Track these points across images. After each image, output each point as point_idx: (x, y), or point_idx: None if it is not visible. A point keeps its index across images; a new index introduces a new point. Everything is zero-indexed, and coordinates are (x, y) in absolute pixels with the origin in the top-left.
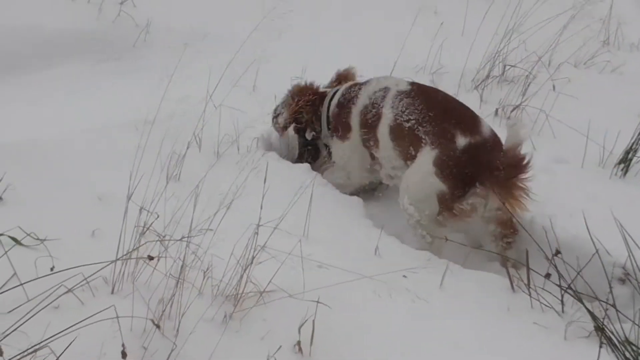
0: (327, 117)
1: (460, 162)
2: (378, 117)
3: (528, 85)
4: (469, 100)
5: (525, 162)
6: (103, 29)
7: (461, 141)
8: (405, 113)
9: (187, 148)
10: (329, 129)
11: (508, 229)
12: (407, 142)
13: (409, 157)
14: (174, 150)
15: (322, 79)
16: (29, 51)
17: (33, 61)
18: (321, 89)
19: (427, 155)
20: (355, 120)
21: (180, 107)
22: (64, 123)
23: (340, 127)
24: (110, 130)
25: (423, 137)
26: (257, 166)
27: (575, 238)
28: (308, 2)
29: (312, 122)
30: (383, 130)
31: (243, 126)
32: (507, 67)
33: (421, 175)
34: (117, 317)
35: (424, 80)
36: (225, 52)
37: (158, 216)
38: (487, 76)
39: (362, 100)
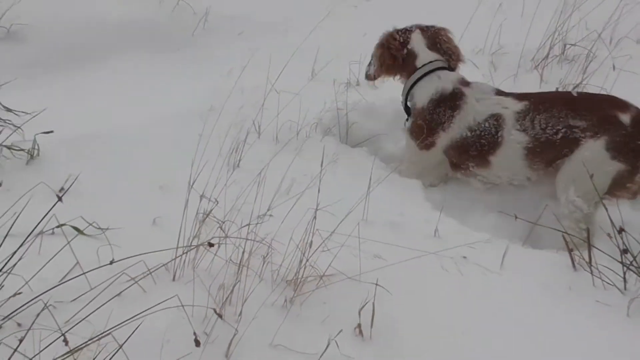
0: (409, 95)
1: (635, 136)
2: (496, 144)
3: (589, 64)
4: (529, 80)
5: None
6: (162, 19)
7: (625, 118)
8: (550, 127)
9: (247, 135)
10: (407, 113)
11: None
12: (557, 148)
13: (557, 158)
14: (235, 138)
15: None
16: (90, 43)
17: (94, 53)
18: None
19: (592, 147)
20: (444, 142)
21: (241, 95)
22: (126, 114)
23: (422, 139)
24: (171, 120)
25: (579, 135)
26: (316, 151)
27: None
28: None
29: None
30: (508, 154)
31: (303, 112)
32: (567, 46)
33: (592, 165)
34: (181, 305)
35: (483, 61)
36: (281, 39)
37: (217, 202)
38: (547, 55)
39: (459, 130)
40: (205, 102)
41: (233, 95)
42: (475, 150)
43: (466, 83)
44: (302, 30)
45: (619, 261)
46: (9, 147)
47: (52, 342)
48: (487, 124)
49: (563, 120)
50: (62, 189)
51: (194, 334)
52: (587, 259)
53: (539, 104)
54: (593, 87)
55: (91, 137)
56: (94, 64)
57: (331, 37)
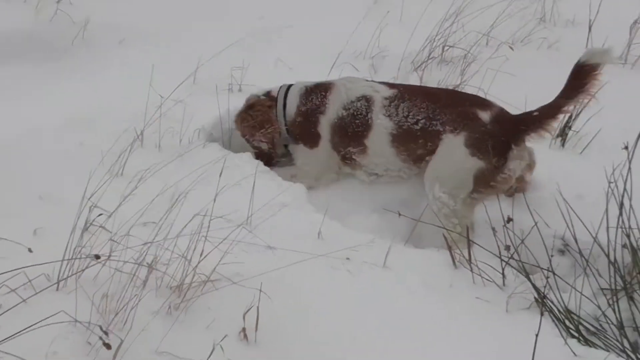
0: (285, 120)
1: (494, 133)
2: (367, 127)
3: (467, 65)
4: (409, 82)
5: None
6: (41, 29)
7: (484, 115)
8: (411, 116)
9: (132, 143)
10: (287, 132)
11: (522, 185)
12: (420, 142)
13: (421, 156)
14: (117, 146)
15: (264, 71)
16: None
17: None
18: (270, 91)
19: (452, 142)
20: (326, 129)
21: (122, 103)
22: (5, 124)
23: (308, 137)
24: (52, 129)
25: (440, 128)
26: (200, 158)
27: (519, 210)
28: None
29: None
30: (378, 139)
31: (186, 119)
32: (447, 48)
33: (452, 161)
34: (75, 320)
35: (364, 65)
36: (163, 47)
37: (101, 213)
38: (427, 58)
39: (335, 109)
40: (86, 111)
41: (114, 103)
42: (352, 130)
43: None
44: (184, 37)
45: (497, 256)
46: None
47: None
48: (359, 104)
49: (424, 111)
50: None
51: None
52: (466, 256)
53: (406, 93)
54: (472, 87)
55: None
56: None
57: (213, 43)
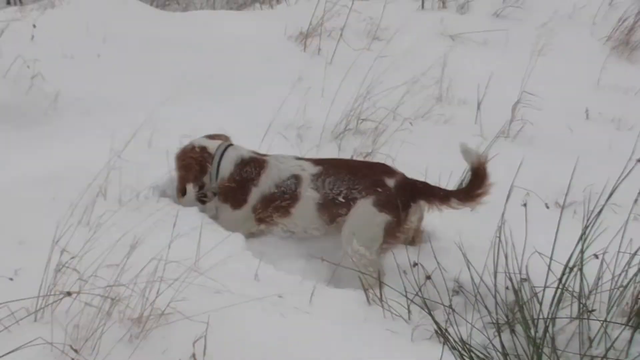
0: (217, 173)
1: (397, 195)
2: (295, 199)
3: (378, 136)
4: (329, 149)
5: (485, 165)
6: (17, 100)
7: (390, 182)
8: (335, 188)
9: (96, 196)
10: (217, 190)
11: (416, 233)
12: (340, 207)
13: (338, 216)
14: (84, 200)
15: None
16: None
17: None
18: (200, 145)
19: (363, 204)
20: (254, 198)
21: (88, 164)
22: None
23: (234, 200)
24: (28, 185)
25: (357, 195)
26: (154, 211)
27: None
28: (183, 67)
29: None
30: (305, 208)
31: (142, 177)
32: (360, 121)
33: (365, 219)
34: (51, 343)
35: (292, 134)
36: (121, 116)
37: (73, 257)
38: (345, 129)
39: (267, 185)
40: (57, 170)
41: (81, 164)
42: (280, 203)
43: (263, 154)
44: (139, 106)
45: (403, 294)
46: None
47: None
48: (289, 182)
49: (345, 183)
50: None
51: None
52: (379, 295)
53: (330, 168)
54: (381, 154)
55: None
56: None
57: (165, 111)
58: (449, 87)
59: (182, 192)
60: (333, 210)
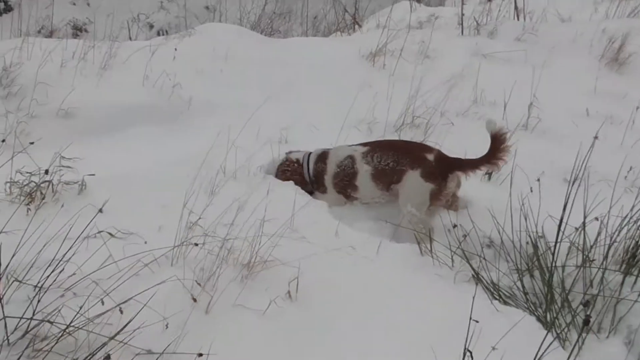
0: (309, 174)
1: (437, 167)
2: (354, 173)
3: (428, 129)
4: (392, 138)
5: (505, 136)
6: (162, 103)
7: (430, 157)
8: (382, 161)
9: (216, 174)
10: (311, 181)
11: (454, 198)
12: (389, 175)
13: (391, 183)
14: (208, 176)
15: (299, 129)
16: (120, 117)
17: (120, 125)
18: (294, 159)
19: (414, 174)
20: (328, 181)
21: (212, 150)
22: (141, 162)
23: (320, 187)
24: (170, 166)
25: (403, 167)
26: (260, 184)
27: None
28: (283, 80)
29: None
30: (363, 179)
31: (252, 159)
32: (414, 117)
33: (415, 187)
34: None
35: (364, 127)
36: (237, 116)
37: (199, 217)
38: (402, 124)
39: (331, 168)
40: (190, 156)
41: (207, 150)
42: (347, 178)
43: (329, 148)
44: (253, 107)
45: (448, 247)
46: (66, 183)
47: (94, 305)
48: (346, 161)
49: (391, 157)
50: (100, 210)
51: (191, 294)
52: (429, 248)
53: (376, 147)
54: (430, 142)
55: (119, 177)
56: (120, 132)
57: (270, 112)
58: (482, 92)
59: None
60: (385, 179)
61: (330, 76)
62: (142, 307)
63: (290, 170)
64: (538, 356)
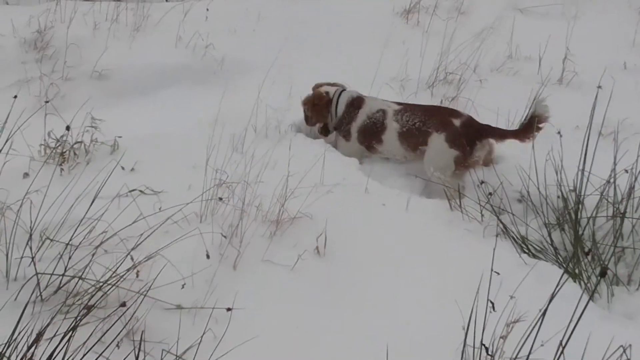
0: (336, 112)
1: (463, 133)
2: (383, 128)
3: (460, 84)
4: (425, 95)
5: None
6: (195, 63)
7: (456, 122)
8: (410, 121)
9: (245, 131)
10: (337, 121)
11: (488, 159)
12: (416, 136)
13: (418, 145)
14: (241, 134)
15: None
16: (153, 78)
17: (153, 85)
18: (323, 92)
19: (438, 138)
20: (354, 131)
21: (243, 108)
22: (174, 122)
23: (345, 133)
24: (201, 125)
25: (429, 129)
26: (291, 141)
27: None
28: (315, 38)
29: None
30: (390, 135)
31: (284, 117)
32: (447, 73)
33: (439, 151)
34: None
35: (396, 84)
36: (271, 75)
37: (228, 176)
38: (435, 80)
39: (361, 118)
40: (222, 114)
41: (240, 109)
42: (374, 130)
43: (365, 96)
44: (284, 69)
45: (477, 202)
46: (96, 142)
47: (124, 261)
48: (377, 114)
49: (419, 118)
50: (132, 168)
51: (206, 251)
52: (459, 203)
53: (407, 108)
54: (463, 98)
55: (151, 137)
56: (153, 93)
57: (302, 71)
58: (516, 47)
59: (325, 132)
60: (411, 139)
61: (363, 34)
62: (166, 264)
63: (319, 104)
64: (575, 316)
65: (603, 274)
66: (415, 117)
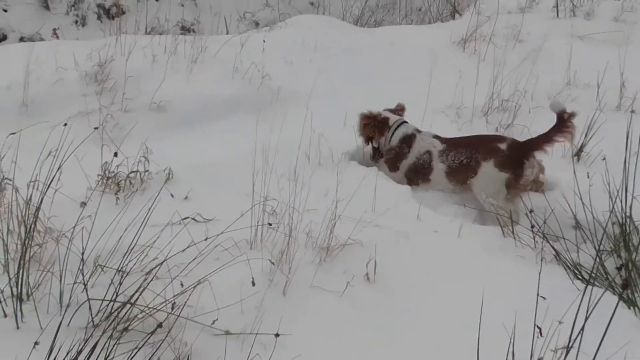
0: (390, 140)
1: (511, 155)
2: (430, 169)
3: (516, 112)
4: (480, 124)
5: (569, 117)
6: (252, 94)
7: (502, 146)
8: (457, 159)
9: (296, 159)
10: (387, 151)
11: (538, 184)
12: (464, 172)
13: (467, 179)
14: (293, 163)
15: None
16: (209, 109)
17: (209, 116)
18: (384, 115)
19: (487, 165)
20: (402, 168)
21: (297, 137)
22: (228, 152)
23: (391, 165)
24: (254, 154)
25: (478, 160)
26: (344, 170)
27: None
28: (371, 67)
29: (377, 138)
30: (437, 175)
31: (337, 146)
32: (503, 101)
33: (490, 177)
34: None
35: (451, 113)
36: (324, 105)
37: (278, 203)
38: (489, 107)
39: (411, 159)
40: (276, 143)
41: (292, 138)
42: (422, 171)
43: (418, 130)
44: (337, 98)
45: (530, 229)
46: (155, 173)
47: (174, 287)
48: (425, 156)
49: (465, 154)
50: (186, 197)
51: (252, 278)
52: (511, 230)
53: (452, 146)
54: (519, 125)
55: (204, 166)
56: (209, 124)
57: (356, 101)
58: (575, 74)
59: (376, 157)
60: (459, 176)
61: (419, 62)
62: (216, 290)
63: (372, 124)
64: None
65: (625, 286)
66: (460, 155)
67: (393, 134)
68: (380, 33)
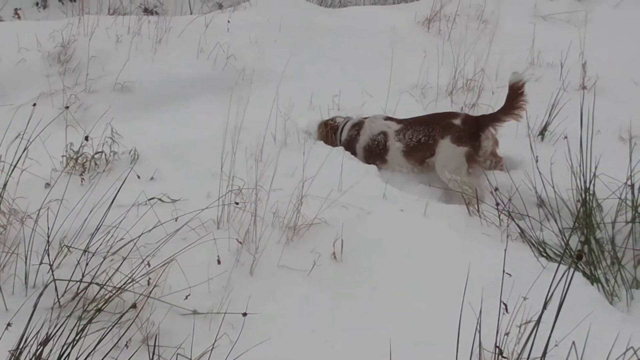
0: (340, 141)
1: (466, 129)
2: (386, 149)
3: (480, 91)
4: (445, 103)
5: (522, 88)
6: (217, 74)
7: (457, 121)
8: (414, 138)
9: (263, 140)
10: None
11: (497, 159)
12: (422, 150)
13: (425, 158)
14: (259, 143)
15: (352, 96)
16: (174, 89)
17: (174, 96)
18: (335, 122)
19: (445, 143)
20: (360, 152)
21: (263, 117)
22: (193, 132)
23: (351, 151)
24: (220, 134)
25: (436, 139)
26: (309, 150)
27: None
28: (337, 48)
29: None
30: (394, 154)
31: (302, 127)
32: (467, 80)
33: (449, 153)
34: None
35: (417, 92)
36: (291, 85)
37: (245, 182)
38: (454, 87)
39: (363, 141)
40: (244, 125)
41: (258, 119)
42: (377, 152)
43: (364, 118)
44: (305, 77)
45: (495, 208)
46: (121, 153)
47: (141, 267)
48: (379, 137)
49: (422, 132)
50: (151, 177)
51: (217, 256)
52: (477, 208)
53: (408, 125)
54: (484, 105)
55: (170, 146)
56: (174, 104)
57: (322, 82)
58: (539, 54)
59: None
60: (417, 155)
61: (383, 42)
62: (182, 269)
63: (325, 131)
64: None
65: (579, 257)
66: (418, 133)
67: (342, 131)
68: (345, 14)
